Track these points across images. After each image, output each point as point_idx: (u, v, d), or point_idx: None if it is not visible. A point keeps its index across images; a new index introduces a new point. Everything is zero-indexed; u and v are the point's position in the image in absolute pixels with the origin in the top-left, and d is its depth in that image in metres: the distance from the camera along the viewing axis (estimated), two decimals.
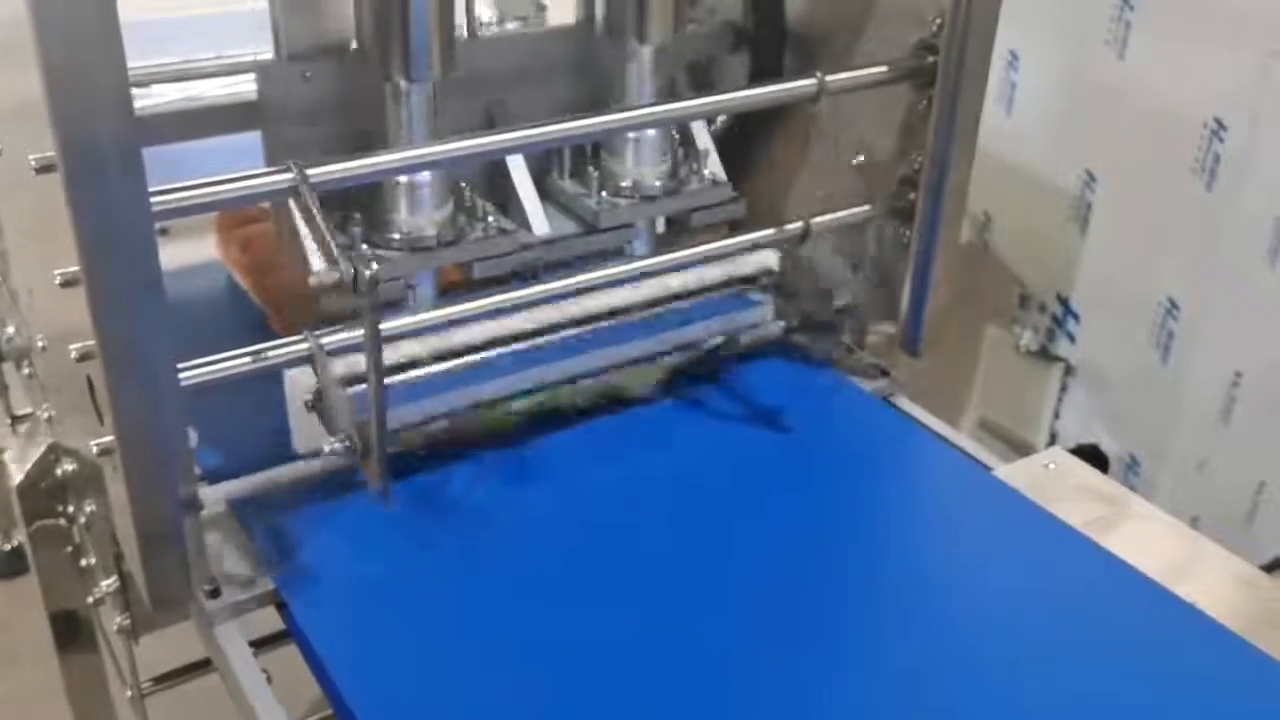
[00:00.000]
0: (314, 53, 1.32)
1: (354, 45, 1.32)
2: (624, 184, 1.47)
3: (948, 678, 1.13)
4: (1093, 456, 2.20)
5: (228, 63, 1.44)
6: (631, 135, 1.45)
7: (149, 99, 1.44)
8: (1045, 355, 2.31)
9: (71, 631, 1.66)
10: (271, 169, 1.10)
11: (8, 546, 2.77)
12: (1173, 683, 1.13)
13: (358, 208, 1.30)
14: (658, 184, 1.48)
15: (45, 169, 0.94)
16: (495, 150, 1.30)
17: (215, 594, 1.17)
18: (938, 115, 1.37)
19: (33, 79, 0.91)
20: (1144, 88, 2.00)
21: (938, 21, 1.36)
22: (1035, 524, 1.31)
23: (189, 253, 1.63)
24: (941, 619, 1.20)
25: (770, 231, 1.40)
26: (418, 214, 1.31)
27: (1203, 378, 2.12)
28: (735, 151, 1.59)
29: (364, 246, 1.27)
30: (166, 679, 1.50)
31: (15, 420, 2.14)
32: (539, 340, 1.39)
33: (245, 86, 1.35)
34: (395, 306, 1.32)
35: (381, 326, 1.10)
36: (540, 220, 1.39)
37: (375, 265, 1.07)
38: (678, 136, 1.51)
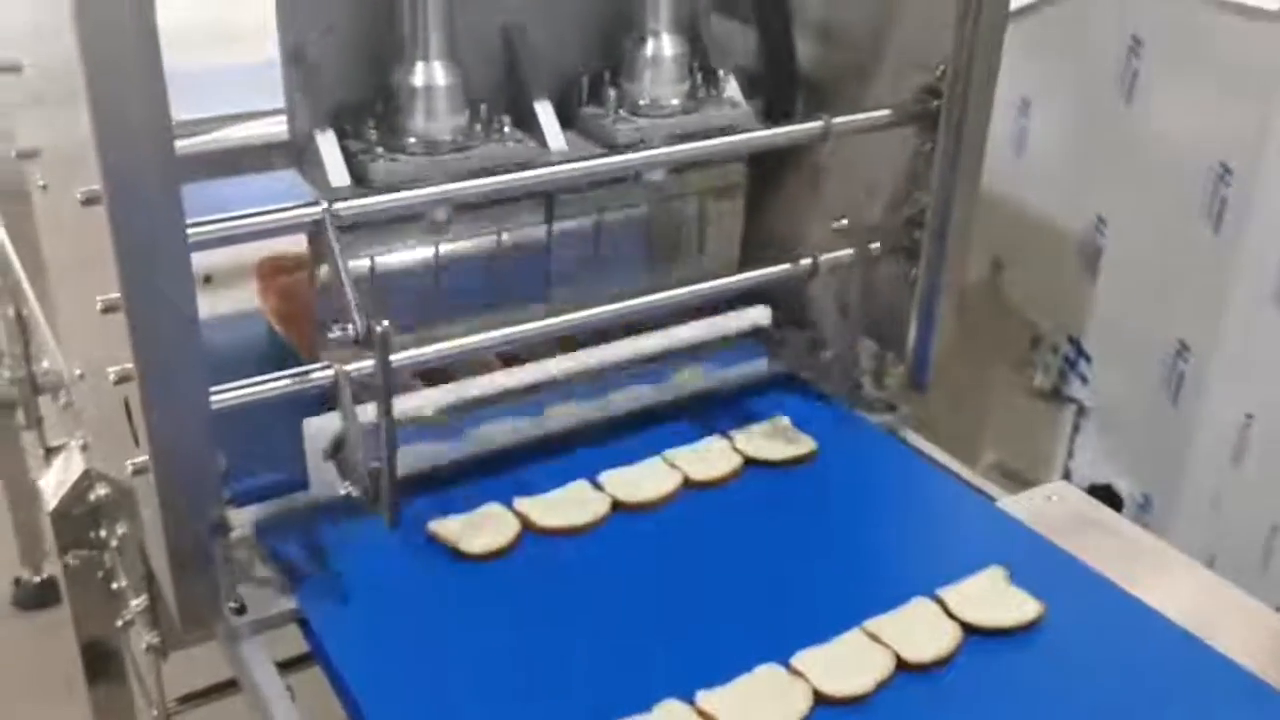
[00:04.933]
0: None
1: None
2: (641, 103, 1.48)
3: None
4: (1106, 497, 2.22)
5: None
6: (650, 54, 1.47)
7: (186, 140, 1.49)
8: (1058, 396, 2.33)
9: (101, 662, 1.70)
10: (300, 203, 1.16)
11: (36, 579, 2.83)
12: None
13: (373, 115, 1.34)
14: (675, 102, 1.49)
15: (90, 201, 1.00)
16: (524, 185, 1.34)
17: (240, 611, 1.21)
18: (941, 157, 1.42)
19: (80, 120, 0.98)
20: (1152, 133, 2.04)
21: (941, 68, 1.41)
22: (979, 514, 1.40)
23: (229, 301, 1.68)
24: None
25: (782, 267, 1.45)
26: (433, 120, 1.33)
27: (1214, 419, 2.13)
28: (749, 193, 1.64)
29: (379, 150, 1.30)
30: (190, 700, 1.54)
31: (49, 451, 2.21)
32: (549, 388, 1.48)
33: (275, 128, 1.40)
34: (411, 221, 1.36)
35: (395, 358, 1.17)
36: (557, 137, 1.40)
37: (386, 323, 1.13)
38: (697, 63, 1.53)
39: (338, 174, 1.30)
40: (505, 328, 1.33)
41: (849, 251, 1.45)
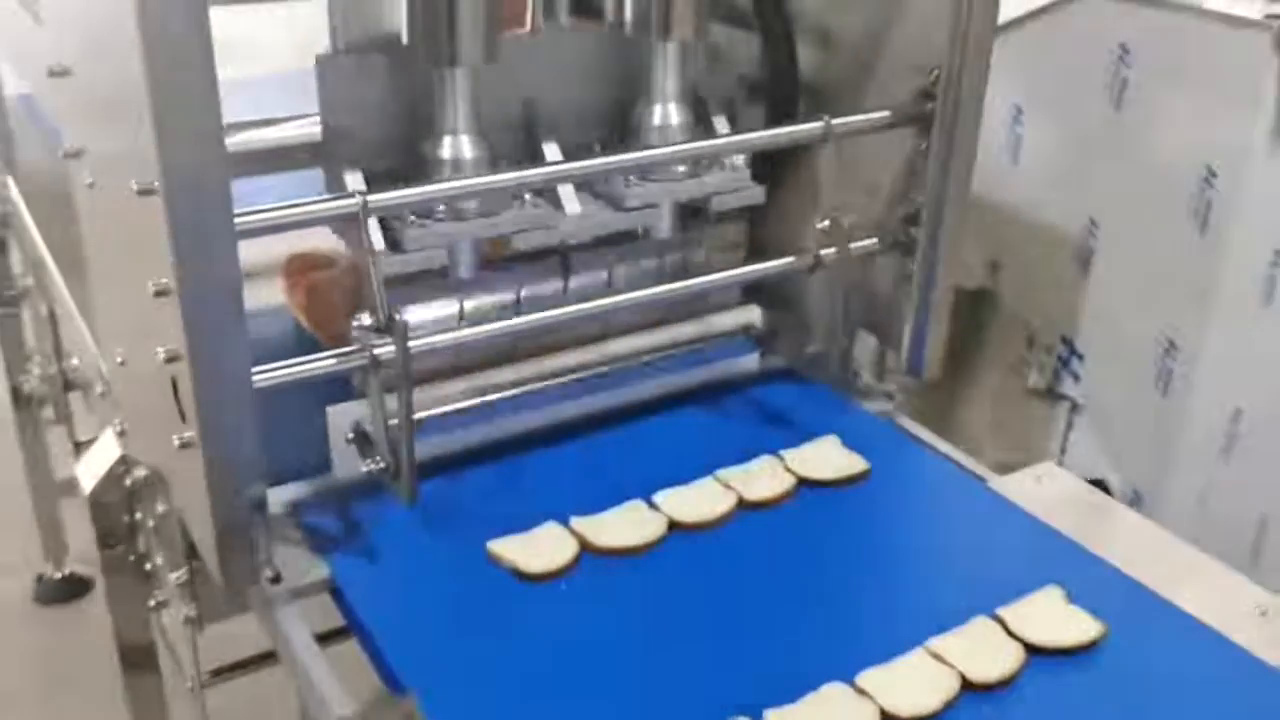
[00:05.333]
0: (367, 46, 1.43)
1: (404, 38, 1.43)
2: (649, 168, 1.56)
3: None
4: (1098, 491, 2.29)
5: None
6: (657, 122, 1.55)
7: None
8: (1052, 394, 2.38)
9: (134, 648, 1.77)
10: (337, 195, 1.24)
11: (57, 575, 2.90)
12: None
13: (404, 182, 1.41)
14: (680, 169, 1.57)
15: (145, 192, 1.08)
16: (537, 181, 1.43)
17: (277, 580, 1.29)
18: (935, 157, 1.50)
19: (139, 119, 1.06)
20: (1140, 139, 2.10)
21: (935, 72, 1.49)
22: (1033, 533, 1.42)
23: (255, 298, 1.75)
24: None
25: (785, 261, 1.54)
26: None
27: (1202, 414, 2.18)
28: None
29: (412, 217, 1.39)
30: (221, 673, 1.62)
31: (78, 445, 2.29)
32: (557, 380, 1.56)
33: (306, 130, 1.49)
34: (438, 275, 1.45)
35: (413, 344, 1.26)
36: (572, 199, 1.48)
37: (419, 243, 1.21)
38: (701, 127, 1.60)
39: (376, 238, 1.37)
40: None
41: (849, 246, 1.53)
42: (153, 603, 1.68)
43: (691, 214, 1.66)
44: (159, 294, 1.12)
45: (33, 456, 2.72)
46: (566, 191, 1.48)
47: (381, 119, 1.44)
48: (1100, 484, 2.33)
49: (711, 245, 1.68)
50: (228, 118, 1.09)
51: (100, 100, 1.24)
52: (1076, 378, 2.34)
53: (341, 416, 1.41)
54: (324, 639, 1.34)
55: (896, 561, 1.42)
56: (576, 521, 1.39)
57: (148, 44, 1.02)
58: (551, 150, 1.48)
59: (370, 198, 1.24)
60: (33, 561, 2.88)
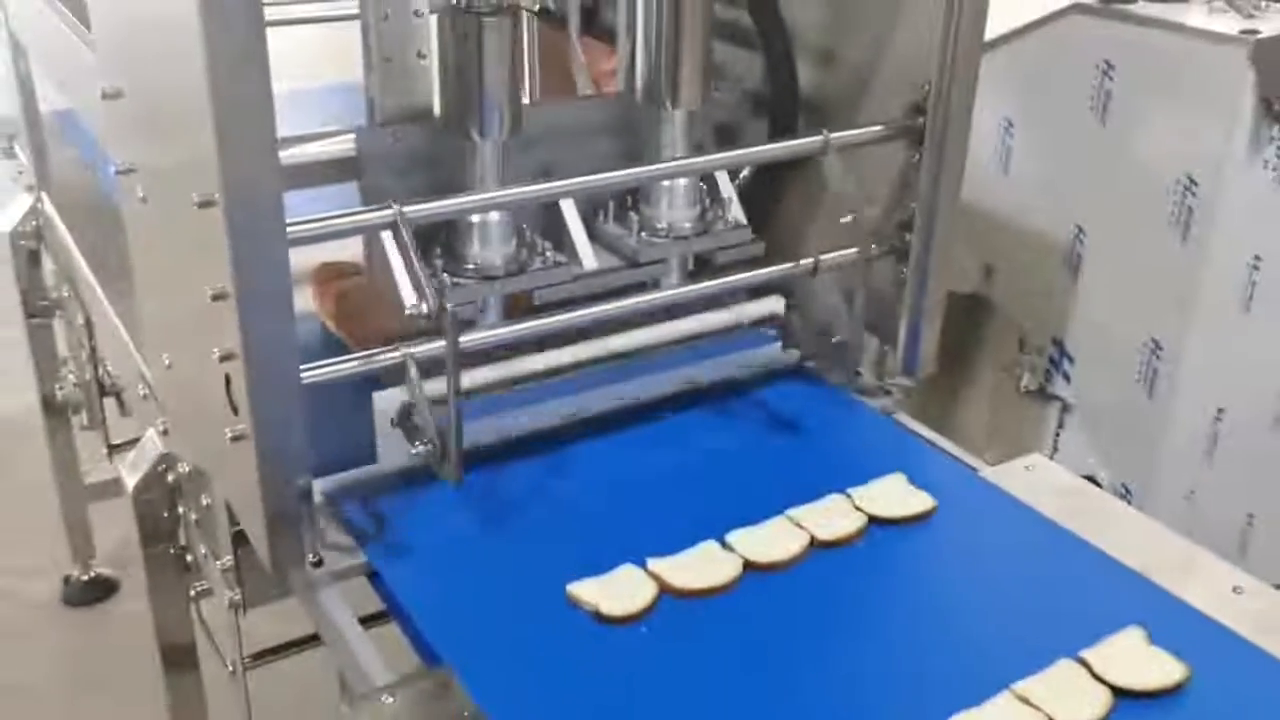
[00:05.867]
0: (402, 119, 1.58)
1: (436, 112, 1.58)
2: (659, 226, 1.68)
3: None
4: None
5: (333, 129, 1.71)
6: (666, 185, 1.67)
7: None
8: (1043, 395, 2.46)
9: (174, 645, 1.87)
10: (377, 207, 1.36)
11: (85, 577, 2.99)
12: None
13: (438, 244, 1.55)
14: (688, 226, 1.69)
15: (205, 204, 1.19)
16: (554, 194, 1.55)
17: (319, 564, 1.39)
18: (926, 167, 1.61)
19: (199, 136, 1.16)
20: (1124, 150, 2.18)
21: (926, 87, 1.59)
22: (1105, 570, 1.44)
23: None
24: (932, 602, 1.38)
25: (787, 265, 1.64)
26: (488, 248, 1.55)
27: (1186, 413, 2.25)
28: (758, 200, 1.81)
29: (444, 275, 1.51)
30: (262, 656, 1.71)
31: (112, 449, 2.39)
32: (585, 369, 1.67)
33: (344, 146, 1.60)
34: (469, 325, 1.55)
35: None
36: (589, 255, 1.61)
37: (453, 299, 1.34)
38: (705, 188, 1.72)
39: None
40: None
41: (852, 251, 1.62)
42: (193, 593, 1.78)
43: (697, 261, 1.79)
44: (216, 298, 1.22)
45: (62, 461, 2.81)
46: (583, 247, 1.60)
47: (417, 184, 1.57)
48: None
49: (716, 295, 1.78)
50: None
51: (156, 119, 1.35)
52: (1067, 379, 2.42)
53: (387, 402, 1.51)
54: (361, 622, 1.45)
55: (971, 601, 1.41)
56: (654, 563, 1.40)
57: (211, 61, 1.12)
58: (569, 208, 1.60)
59: (405, 209, 1.34)
60: (60, 564, 2.96)
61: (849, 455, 1.65)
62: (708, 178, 1.71)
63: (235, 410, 1.29)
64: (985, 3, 1.53)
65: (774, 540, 1.44)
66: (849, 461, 1.62)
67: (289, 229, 1.22)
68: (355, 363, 1.37)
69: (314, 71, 2.53)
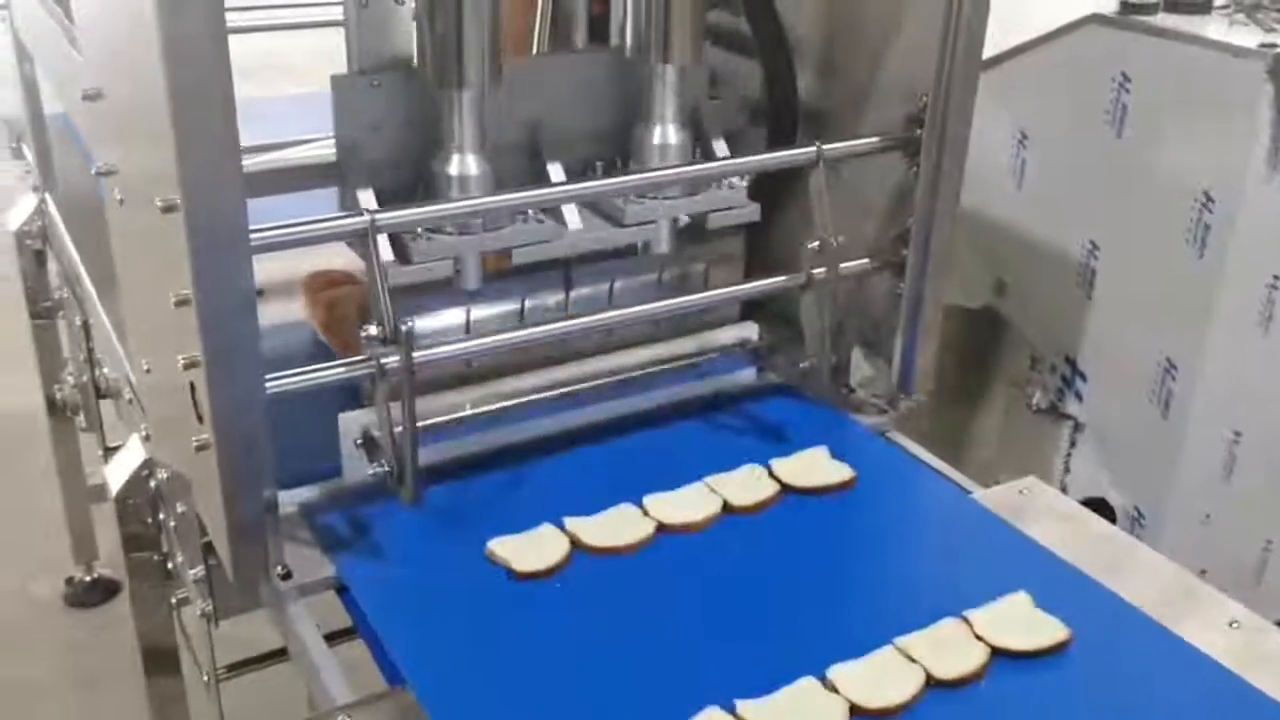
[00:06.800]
0: (381, 67, 1.52)
1: (415, 60, 1.53)
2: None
3: None
4: (1100, 509, 2.32)
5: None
6: (656, 144, 1.62)
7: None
8: (1055, 413, 2.41)
9: (155, 649, 1.84)
10: (347, 213, 1.32)
11: (87, 578, 2.99)
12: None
13: (418, 198, 1.51)
14: (678, 187, 1.62)
15: (169, 209, 1.16)
16: (533, 202, 1.51)
17: (287, 577, 1.36)
18: (924, 180, 1.56)
19: (162, 139, 1.14)
20: (1140, 164, 2.13)
21: (924, 99, 1.55)
22: (1008, 542, 1.47)
23: (279, 313, 1.83)
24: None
25: (779, 279, 1.60)
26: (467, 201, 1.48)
27: (1202, 435, 2.20)
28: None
29: (419, 230, 1.45)
30: (235, 668, 1.69)
31: (108, 451, 2.38)
32: (560, 391, 1.63)
33: (324, 151, 1.58)
34: (445, 286, 1.53)
35: (418, 355, 1.34)
36: (574, 215, 1.55)
37: (413, 323, 1.30)
38: (700, 149, 1.67)
39: (385, 251, 1.44)
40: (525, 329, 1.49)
41: (836, 267, 1.59)
42: (174, 600, 1.75)
43: (691, 229, 1.72)
44: (180, 303, 1.20)
45: (65, 462, 2.81)
46: (569, 207, 1.55)
47: (393, 136, 1.52)
48: (1102, 503, 2.38)
49: (709, 258, 1.74)
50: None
51: (129, 122, 1.32)
52: (1080, 397, 2.38)
53: (352, 422, 1.48)
54: (330, 638, 1.42)
55: (872, 565, 1.48)
56: (570, 522, 1.46)
57: (170, 69, 1.09)
58: (555, 170, 1.55)
59: (378, 216, 1.31)
60: (64, 565, 2.95)
61: (775, 430, 1.69)
62: (702, 137, 1.66)
63: (200, 418, 1.26)
64: (984, 15, 1.49)
65: (688, 504, 1.50)
66: (773, 436, 1.67)
67: (254, 235, 1.20)
68: (322, 373, 1.34)
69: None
